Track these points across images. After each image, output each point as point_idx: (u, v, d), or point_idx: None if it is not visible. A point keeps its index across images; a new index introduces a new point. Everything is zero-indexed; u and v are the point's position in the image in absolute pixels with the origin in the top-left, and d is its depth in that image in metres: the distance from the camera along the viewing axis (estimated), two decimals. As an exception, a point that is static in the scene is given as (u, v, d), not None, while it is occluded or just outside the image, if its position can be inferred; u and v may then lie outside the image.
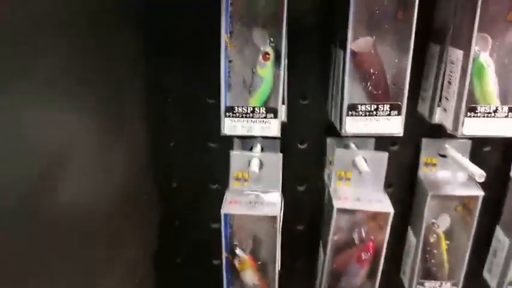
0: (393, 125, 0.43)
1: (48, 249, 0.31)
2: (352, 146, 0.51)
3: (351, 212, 0.46)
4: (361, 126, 0.43)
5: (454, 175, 0.52)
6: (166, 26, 0.50)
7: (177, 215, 0.58)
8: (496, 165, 0.54)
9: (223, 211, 0.45)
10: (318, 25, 0.49)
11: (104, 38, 0.39)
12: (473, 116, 0.42)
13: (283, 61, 0.42)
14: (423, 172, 0.53)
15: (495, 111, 0.42)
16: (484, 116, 0.42)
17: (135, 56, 0.46)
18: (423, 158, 0.53)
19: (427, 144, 0.52)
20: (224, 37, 0.42)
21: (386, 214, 0.45)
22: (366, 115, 0.42)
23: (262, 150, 0.52)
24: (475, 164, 0.51)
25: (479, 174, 0.44)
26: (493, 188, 0.54)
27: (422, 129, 0.52)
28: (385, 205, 0.46)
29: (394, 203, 0.55)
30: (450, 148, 0.51)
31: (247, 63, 0.44)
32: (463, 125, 0.43)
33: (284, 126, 0.51)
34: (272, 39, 0.43)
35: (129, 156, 0.46)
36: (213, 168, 0.55)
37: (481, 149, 0.53)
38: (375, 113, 0.42)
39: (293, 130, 0.53)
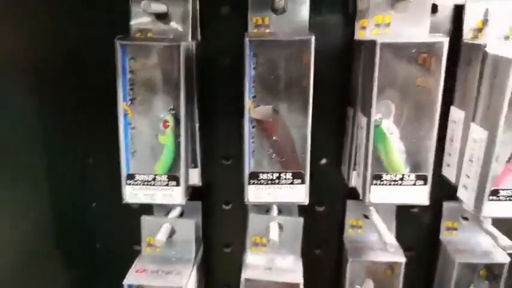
0: (297, 193, 0.41)
1: None
2: (274, 208, 0.50)
3: (260, 282, 0.44)
4: (264, 194, 0.42)
5: (380, 237, 0.50)
6: (84, 84, 0.49)
7: (101, 277, 0.56)
8: (425, 226, 0.52)
9: (125, 282, 0.43)
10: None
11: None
12: (379, 184, 0.41)
13: (184, 128, 0.41)
14: (348, 234, 0.51)
15: (401, 179, 0.41)
16: (390, 184, 0.41)
17: (52, 115, 0.46)
18: (349, 219, 0.51)
19: (352, 206, 0.51)
20: (122, 105, 0.41)
21: (296, 285, 0.43)
22: (268, 183, 0.41)
23: (182, 214, 0.51)
24: (402, 224, 0.50)
25: (390, 244, 0.42)
26: (423, 249, 0.52)
27: (348, 190, 0.50)
28: (296, 275, 0.44)
29: (324, 265, 0.53)
30: (373, 211, 0.49)
31: (152, 130, 0.43)
32: (370, 193, 0.41)
33: (208, 186, 0.50)
34: (172, 107, 0.42)
35: (35, 220, 0.45)
36: (136, 230, 0.53)
37: (408, 210, 0.51)
38: (277, 181, 0.41)
39: (218, 191, 0.52)
